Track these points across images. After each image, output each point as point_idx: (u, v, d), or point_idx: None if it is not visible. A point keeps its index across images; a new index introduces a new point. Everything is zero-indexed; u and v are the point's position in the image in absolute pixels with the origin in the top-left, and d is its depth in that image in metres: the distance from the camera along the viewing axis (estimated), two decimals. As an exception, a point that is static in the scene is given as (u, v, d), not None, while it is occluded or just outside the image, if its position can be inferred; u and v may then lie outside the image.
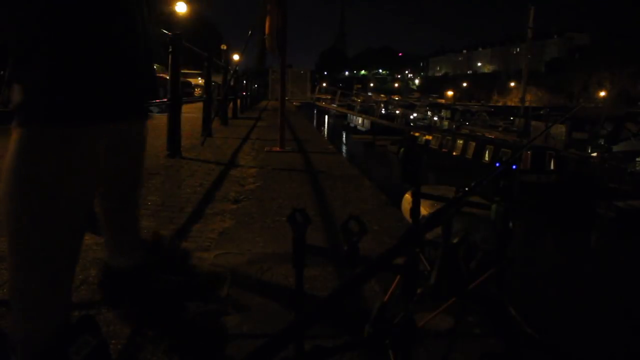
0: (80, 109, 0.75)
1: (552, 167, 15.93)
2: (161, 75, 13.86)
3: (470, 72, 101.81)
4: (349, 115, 38.69)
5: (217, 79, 10.24)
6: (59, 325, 0.80)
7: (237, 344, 1.33)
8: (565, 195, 14.52)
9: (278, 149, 5.89)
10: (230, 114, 10.74)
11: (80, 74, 0.74)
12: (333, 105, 38.81)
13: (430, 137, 23.54)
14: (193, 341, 1.15)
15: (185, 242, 2.26)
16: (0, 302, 1.40)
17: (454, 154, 20.18)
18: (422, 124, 32.44)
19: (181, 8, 25.46)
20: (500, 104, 61.53)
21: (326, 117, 51.55)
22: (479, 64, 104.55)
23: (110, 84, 0.78)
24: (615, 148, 18.87)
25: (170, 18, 27.00)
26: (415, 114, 36.85)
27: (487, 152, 18.07)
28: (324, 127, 44.08)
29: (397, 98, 73.29)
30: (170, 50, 4.70)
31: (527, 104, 29.20)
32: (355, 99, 44.34)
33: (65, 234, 0.80)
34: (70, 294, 0.88)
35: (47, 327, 0.78)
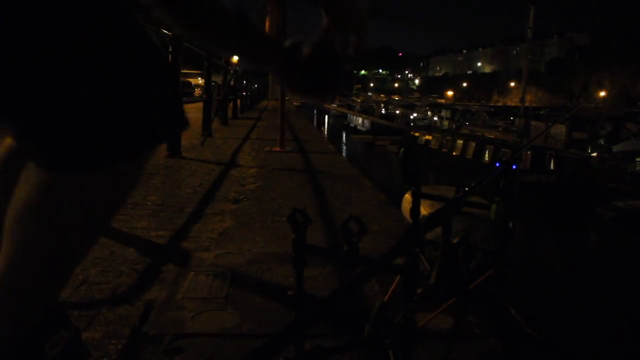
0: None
1: (552, 167, 15.93)
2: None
3: (470, 72, 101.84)
4: (349, 115, 38.68)
5: (217, 79, 10.23)
6: (38, 321, 0.80)
7: (237, 343, 1.33)
8: (565, 195, 14.52)
9: (278, 149, 5.89)
10: (230, 114, 10.73)
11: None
12: (333, 105, 38.81)
13: (430, 137, 23.53)
14: None
15: (185, 242, 2.26)
16: None
17: (454, 154, 20.16)
18: (422, 124, 32.44)
19: (181, 8, 25.43)
20: (500, 104, 61.48)
21: (326, 117, 51.55)
22: (479, 64, 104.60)
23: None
24: (615, 148, 18.88)
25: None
26: (415, 114, 36.87)
27: (487, 152, 18.06)
28: (324, 127, 44.09)
29: (397, 98, 73.28)
30: (170, 50, 4.70)
31: (527, 104, 29.24)
32: (355, 99, 44.37)
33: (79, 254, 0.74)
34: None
35: (27, 322, 0.77)
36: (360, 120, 35.64)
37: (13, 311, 0.74)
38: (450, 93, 69.54)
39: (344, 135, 36.42)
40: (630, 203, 13.16)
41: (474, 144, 19.26)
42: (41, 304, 0.80)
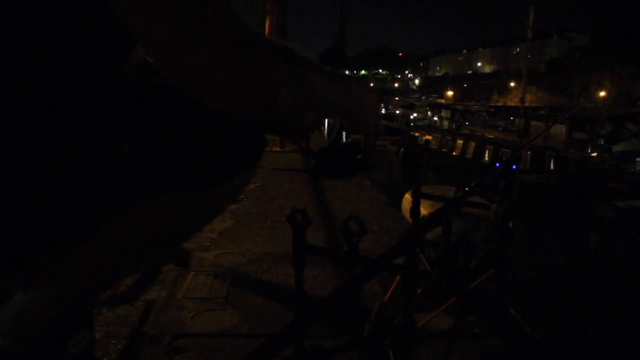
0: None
1: (552, 167, 15.93)
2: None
3: (470, 72, 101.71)
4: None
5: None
6: (68, 318, 0.80)
7: (237, 344, 1.33)
8: (565, 195, 14.51)
9: (278, 148, 5.89)
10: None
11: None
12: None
13: (430, 137, 23.55)
14: None
15: (185, 242, 2.26)
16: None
17: (454, 154, 20.17)
18: (422, 124, 32.46)
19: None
20: (500, 104, 61.44)
21: (326, 117, 51.42)
22: (479, 64, 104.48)
23: None
24: (615, 148, 18.90)
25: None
26: (415, 114, 36.90)
27: (487, 152, 18.07)
28: (324, 127, 44.08)
29: (397, 98, 73.20)
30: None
31: (527, 104, 29.25)
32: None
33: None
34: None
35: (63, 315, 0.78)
36: (360, 120, 35.58)
37: (54, 306, 0.75)
38: (450, 93, 69.49)
39: (343, 135, 36.40)
40: (630, 203, 13.17)
41: (474, 144, 19.27)
42: (82, 304, 0.83)
